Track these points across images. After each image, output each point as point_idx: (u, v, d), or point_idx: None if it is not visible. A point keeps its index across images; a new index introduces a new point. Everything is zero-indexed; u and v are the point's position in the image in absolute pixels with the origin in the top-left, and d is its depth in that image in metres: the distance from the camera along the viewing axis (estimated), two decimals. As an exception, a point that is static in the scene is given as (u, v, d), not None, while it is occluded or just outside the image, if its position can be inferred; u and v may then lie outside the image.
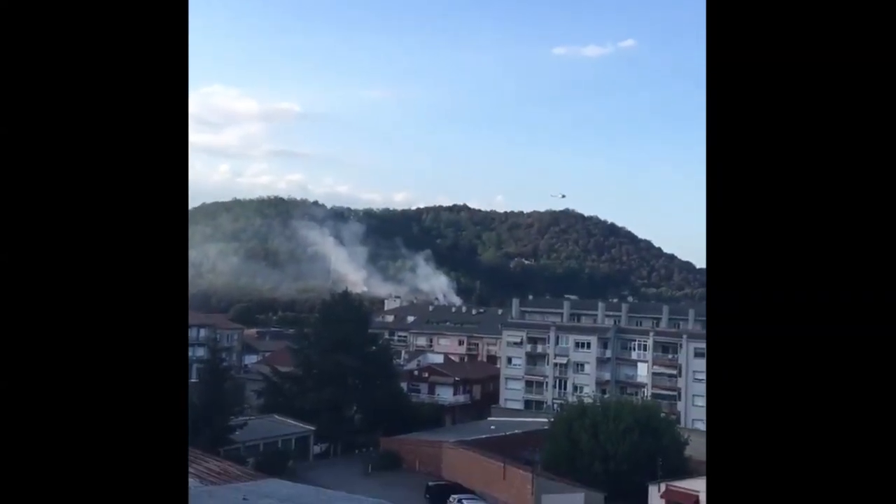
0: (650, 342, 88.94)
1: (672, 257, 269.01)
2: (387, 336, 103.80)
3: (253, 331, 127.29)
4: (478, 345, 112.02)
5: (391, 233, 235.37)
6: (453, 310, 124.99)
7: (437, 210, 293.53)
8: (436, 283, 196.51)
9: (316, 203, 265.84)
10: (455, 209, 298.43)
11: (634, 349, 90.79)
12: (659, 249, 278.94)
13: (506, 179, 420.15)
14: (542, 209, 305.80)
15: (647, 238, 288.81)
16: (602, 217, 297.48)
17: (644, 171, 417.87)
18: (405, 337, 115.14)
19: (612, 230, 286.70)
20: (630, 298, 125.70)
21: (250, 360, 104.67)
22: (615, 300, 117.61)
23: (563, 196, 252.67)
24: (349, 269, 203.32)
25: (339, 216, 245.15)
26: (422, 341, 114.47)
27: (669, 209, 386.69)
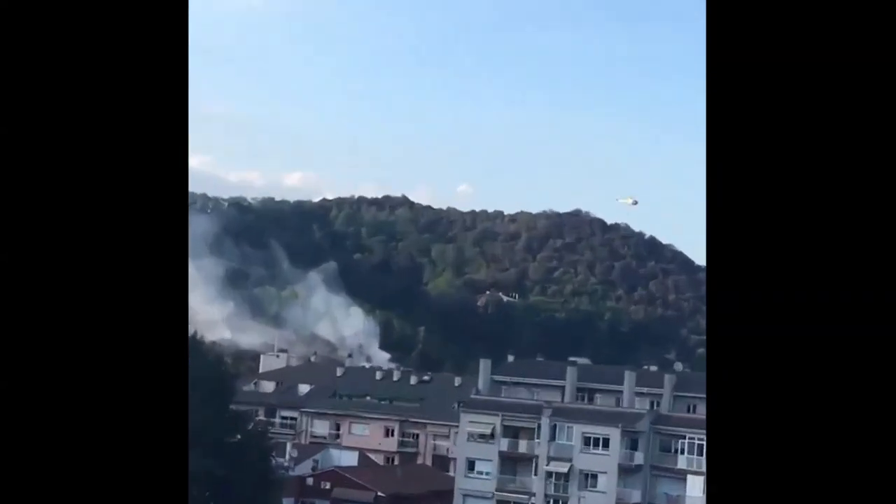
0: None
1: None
2: (262, 417, 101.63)
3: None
4: (418, 436, 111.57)
5: (274, 238, 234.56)
6: (378, 375, 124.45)
7: (357, 203, 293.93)
8: (350, 329, 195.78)
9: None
10: (387, 203, 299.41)
11: (683, 451, 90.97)
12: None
13: (475, 156, 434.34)
14: (533, 208, 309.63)
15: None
16: (636, 226, 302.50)
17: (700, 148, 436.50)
18: (294, 419, 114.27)
19: (653, 248, 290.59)
20: (679, 365, 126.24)
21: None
22: (653, 367, 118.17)
23: (635, 202, 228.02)
24: (196, 299, 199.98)
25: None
26: (323, 428, 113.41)
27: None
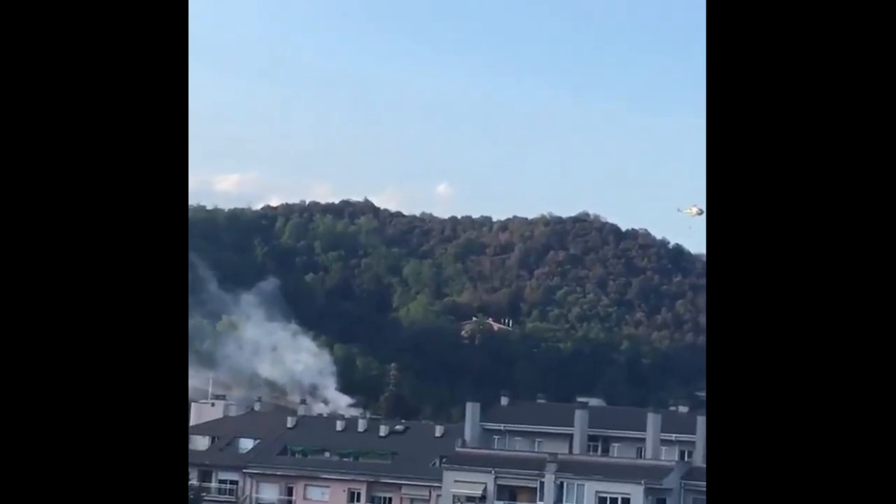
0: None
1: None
2: (194, 482, 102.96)
3: None
4: (390, 500, 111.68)
5: (202, 254, 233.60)
6: (340, 425, 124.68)
7: (308, 211, 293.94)
8: (302, 367, 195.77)
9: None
10: (346, 210, 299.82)
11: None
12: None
13: (455, 148, 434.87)
14: (529, 212, 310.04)
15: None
16: (657, 233, 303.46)
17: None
18: (235, 483, 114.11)
19: (679, 260, 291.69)
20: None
21: None
22: (683, 407, 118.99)
23: (700, 212, 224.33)
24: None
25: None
26: (271, 493, 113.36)
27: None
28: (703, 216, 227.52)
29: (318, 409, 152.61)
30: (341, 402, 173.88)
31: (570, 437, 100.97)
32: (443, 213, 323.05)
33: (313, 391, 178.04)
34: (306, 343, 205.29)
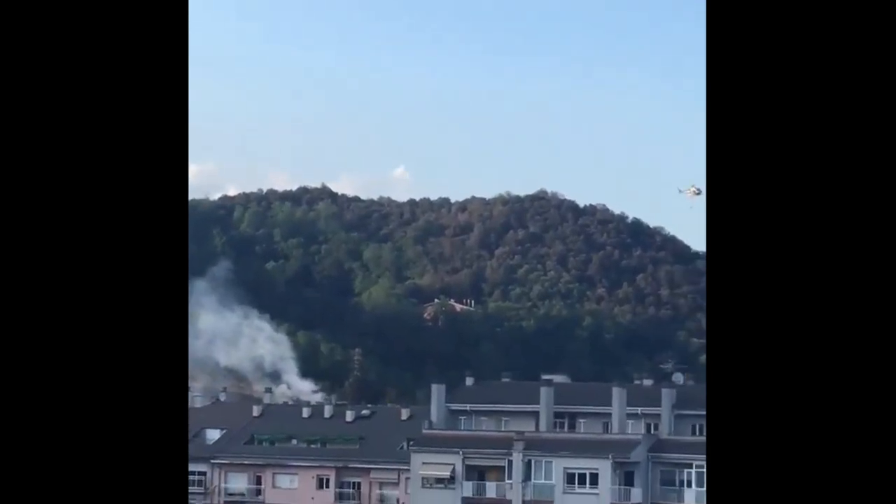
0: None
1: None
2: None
3: None
4: (360, 486, 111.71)
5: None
6: (306, 412, 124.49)
7: (266, 199, 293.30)
8: (264, 354, 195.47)
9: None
10: (304, 197, 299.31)
11: (691, 483, 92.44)
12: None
13: (411, 131, 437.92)
14: (487, 192, 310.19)
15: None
16: (616, 208, 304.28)
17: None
18: (203, 475, 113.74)
19: (638, 233, 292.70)
20: (679, 376, 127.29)
21: None
22: (647, 381, 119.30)
23: (698, 191, 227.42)
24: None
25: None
26: (240, 482, 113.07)
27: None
28: (702, 196, 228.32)
29: (284, 398, 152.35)
30: (307, 390, 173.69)
31: (537, 414, 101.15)
32: (401, 196, 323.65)
33: (279, 381, 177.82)
34: (266, 329, 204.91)
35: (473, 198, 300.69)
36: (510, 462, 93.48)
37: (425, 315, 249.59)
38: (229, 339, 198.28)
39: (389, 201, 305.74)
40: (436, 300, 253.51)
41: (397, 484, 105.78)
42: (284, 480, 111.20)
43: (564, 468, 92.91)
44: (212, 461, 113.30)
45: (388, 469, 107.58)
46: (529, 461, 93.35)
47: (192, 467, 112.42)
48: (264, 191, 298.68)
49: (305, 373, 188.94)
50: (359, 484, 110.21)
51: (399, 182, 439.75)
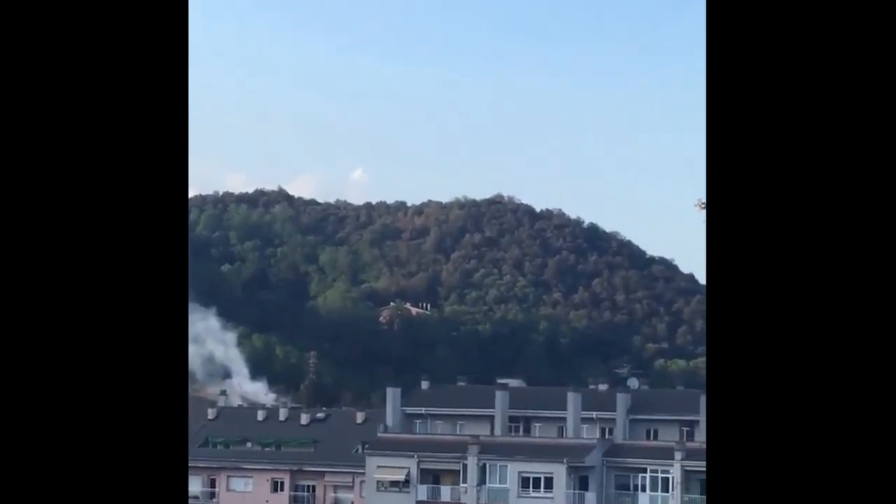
0: (676, 471, 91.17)
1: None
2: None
3: None
4: (314, 489, 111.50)
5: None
6: (261, 415, 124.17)
7: (221, 202, 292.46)
8: (218, 357, 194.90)
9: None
10: (260, 199, 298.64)
11: (645, 488, 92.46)
12: (689, 277, 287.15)
13: (368, 133, 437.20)
14: (443, 196, 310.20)
15: (665, 255, 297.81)
16: (572, 212, 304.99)
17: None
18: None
19: (594, 238, 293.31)
20: (634, 381, 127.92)
21: None
22: (602, 385, 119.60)
23: (703, 205, 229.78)
24: None
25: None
26: (193, 485, 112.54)
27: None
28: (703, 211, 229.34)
29: (238, 400, 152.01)
30: (262, 393, 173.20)
31: (492, 418, 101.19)
32: (357, 199, 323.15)
33: (233, 383, 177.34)
34: (215, 330, 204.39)
35: (430, 201, 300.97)
36: (465, 466, 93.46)
37: (381, 318, 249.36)
38: (192, 344, 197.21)
39: (346, 204, 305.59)
40: (392, 304, 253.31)
41: (352, 487, 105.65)
42: (239, 483, 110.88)
43: (519, 472, 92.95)
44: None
45: (342, 472, 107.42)
46: (484, 465, 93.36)
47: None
48: (220, 193, 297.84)
49: (256, 374, 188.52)
50: (313, 487, 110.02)
51: (357, 185, 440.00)
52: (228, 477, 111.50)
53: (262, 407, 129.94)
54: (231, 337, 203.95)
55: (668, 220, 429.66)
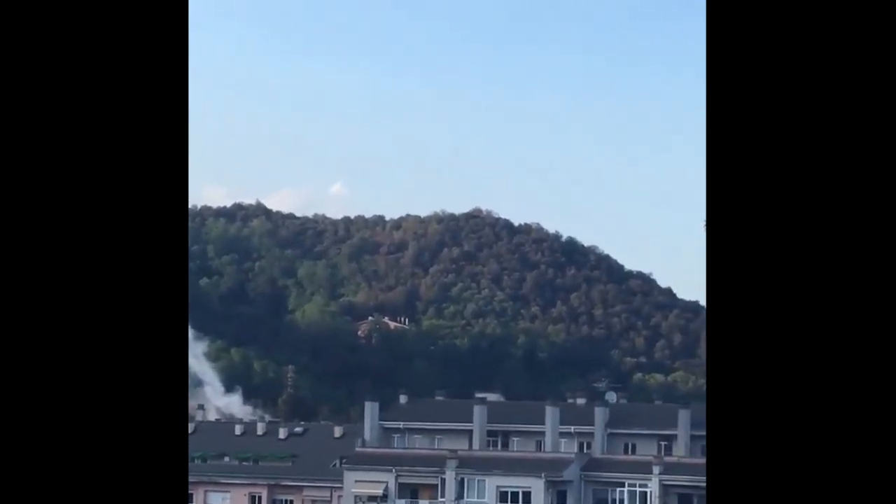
0: (654, 486, 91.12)
1: (695, 307, 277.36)
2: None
3: None
4: (292, 503, 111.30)
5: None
6: (238, 430, 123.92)
7: (199, 215, 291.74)
8: (195, 373, 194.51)
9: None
10: (238, 213, 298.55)
11: (623, 503, 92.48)
12: (667, 291, 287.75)
13: (347, 147, 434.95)
14: (422, 210, 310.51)
15: (643, 269, 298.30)
16: (550, 227, 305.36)
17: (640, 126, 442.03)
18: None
19: (572, 253, 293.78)
20: (612, 395, 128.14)
21: None
22: (581, 399, 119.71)
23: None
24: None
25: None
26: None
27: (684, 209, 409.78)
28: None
29: (215, 415, 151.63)
30: (239, 407, 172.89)
31: (470, 433, 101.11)
32: (336, 213, 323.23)
33: (210, 398, 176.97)
34: (200, 347, 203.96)
35: (408, 216, 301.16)
36: (443, 480, 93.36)
37: (359, 332, 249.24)
38: None
39: (324, 218, 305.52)
40: (370, 318, 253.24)
41: (330, 501, 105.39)
42: (216, 498, 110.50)
43: (497, 486, 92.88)
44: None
45: (320, 487, 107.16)
46: (462, 479, 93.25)
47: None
48: (198, 207, 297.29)
49: (230, 388, 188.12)
50: (291, 502, 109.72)
51: (335, 199, 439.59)
52: (206, 491, 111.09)
53: (240, 421, 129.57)
54: (204, 350, 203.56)
55: (646, 234, 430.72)
